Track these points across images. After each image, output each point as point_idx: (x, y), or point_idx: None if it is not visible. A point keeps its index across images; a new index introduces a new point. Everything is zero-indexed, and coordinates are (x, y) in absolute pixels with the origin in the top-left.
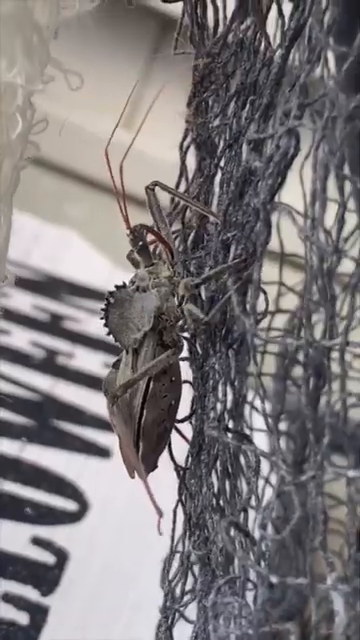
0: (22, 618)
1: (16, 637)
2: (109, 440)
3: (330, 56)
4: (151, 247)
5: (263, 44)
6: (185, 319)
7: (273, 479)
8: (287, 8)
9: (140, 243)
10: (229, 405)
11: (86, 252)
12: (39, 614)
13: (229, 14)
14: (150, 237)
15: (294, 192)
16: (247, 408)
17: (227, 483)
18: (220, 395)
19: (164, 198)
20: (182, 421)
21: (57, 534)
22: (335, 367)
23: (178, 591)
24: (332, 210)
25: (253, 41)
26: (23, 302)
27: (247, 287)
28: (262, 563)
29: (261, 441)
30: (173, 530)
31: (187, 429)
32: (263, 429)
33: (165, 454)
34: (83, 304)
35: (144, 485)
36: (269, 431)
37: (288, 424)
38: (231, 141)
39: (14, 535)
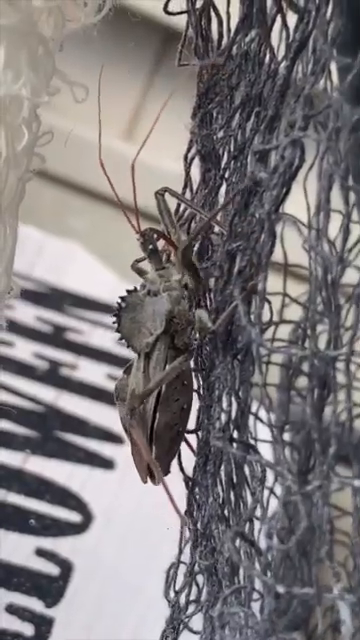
0: (27, 629)
1: None
2: (113, 451)
3: (334, 67)
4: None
5: (268, 56)
6: (194, 325)
7: (278, 489)
8: (292, 20)
9: (150, 247)
10: (234, 415)
11: (90, 264)
12: (44, 625)
13: (233, 26)
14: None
15: (298, 202)
16: (251, 418)
17: (232, 493)
18: (225, 405)
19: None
20: (192, 432)
21: (61, 545)
22: (340, 377)
23: (183, 601)
24: (336, 221)
25: (258, 53)
26: (27, 314)
27: (252, 297)
28: (268, 573)
29: (265, 451)
30: (180, 541)
31: (191, 438)
32: (268, 439)
33: (174, 464)
34: (86, 316)
35: (162, 485)
36: (274, 441)
37: (292, 434)
38: (236, 152)
39: (18, 546)
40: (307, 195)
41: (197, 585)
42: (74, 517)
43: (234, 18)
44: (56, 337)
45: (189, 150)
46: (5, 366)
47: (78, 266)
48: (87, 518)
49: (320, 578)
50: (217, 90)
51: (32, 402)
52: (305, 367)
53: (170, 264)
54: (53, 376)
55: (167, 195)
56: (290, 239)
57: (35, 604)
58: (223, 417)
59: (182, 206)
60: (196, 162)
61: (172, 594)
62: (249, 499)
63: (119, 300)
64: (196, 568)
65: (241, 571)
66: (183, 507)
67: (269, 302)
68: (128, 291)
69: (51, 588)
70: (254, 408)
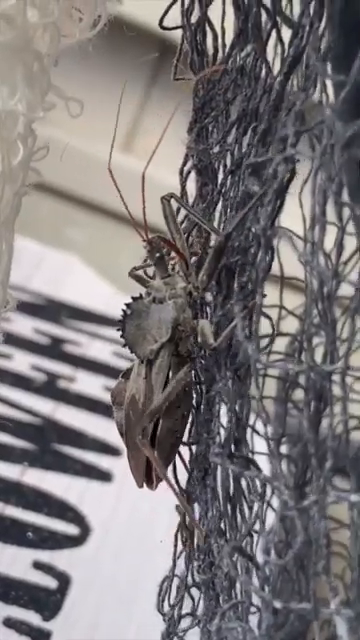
0: None
1: None
2: (110, 464)
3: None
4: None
5: (264, 71)
6: (197, 333)
7: (275, 502)
8: (287, 35)
9: (157, 255)
10: (233, 430)
11: (87, 276)
12: (41, 638)
13: (228, 40)
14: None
15: (294, 215)
16: (248, 431)
17: (230, 507)
18: (223, 419)
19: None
20: (187, 444)
21: (59, 558)
22: (336, 390)
23: (178, 615)
24: (332, 233)
25: (254, 67)
26: (24, 326)
27: (252, 312)
28: (266, 588)
29: (262, 464)
30: (174, 554)
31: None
32: (265, 452)
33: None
34: (84, 328)
35: (165, 481)
36: (271, 455)
37: (289, 447)
38: (233, 167)
39: (16, 559)
40: (303, 207)
41: (192, 598)
42: (72, 530)
43: (229, 33)
44: (53, 349)
45: (184, 164)
46: (2, 378)
47: (75, 278)
48: (84, 531)
49: (317, 592)
50: (213, 105)
51: (29, 414)
52: (302, 380)
53: (175, 271)
54: (51, 388)
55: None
56: (286, 251)
57: (32, 617)
58: (223, 432)
59: (181, 216)
60: (193, 176)
61: (166, 607)
62: (247, 513)
63: (124, 307)
64: (190, 581)
65: (239, 585)
66: (175, 521)
67: (269, 318)
68: (133, 298)
69: (49, 601)
70: (251, 420)
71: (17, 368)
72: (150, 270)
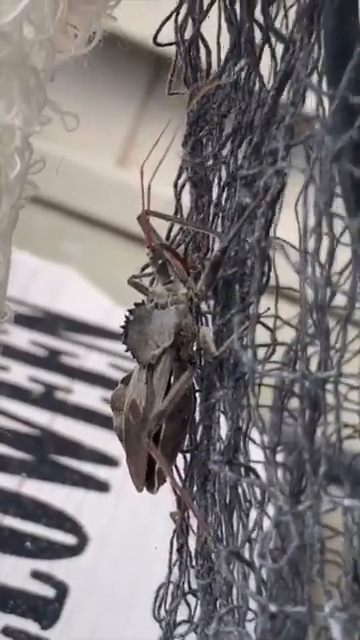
0: None
1: None
2: (108, 474)
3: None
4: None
5: (257, 85)
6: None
7: (270, 510)
8: (280, 49)
9: (160, 261)
10: (231, 437)
11: (84, 289)
12: None
13: (223, 54)
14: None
15: (289, 225)
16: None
17: (227, 514)
18: (225, 429)
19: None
20: (185, 452)
21: (57, 568)
22: (331, 399)
23: (174, 621)
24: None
25: (248, 82)
26: (21, 338)
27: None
28: (262, 592)
29: (258, 472)
30: (170, 560)
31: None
32: (260, 460)
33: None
34: (81, 340)
35: (169, 479)
36: (267, 462)
37: (285, 455)
38: (229, 179)
39: (14, 569)
40: (298, 217)
41: (188, 605)
42: (70, 540)
43: (223, 47)
44: (51, 361)
45: (179, 177)
46: (0, 390)
47: (72, 291)
48: (82, 540)
49: (313, 598)
50: (208, 118)
51: (27, 426)
52: (297, 389)
53: (176, 278)
54: (48, 400)
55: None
56: (282, 261)
57: (31, 626)
58: (223, 440)
59: (173, 230)
60: (187, 188)
61: (163, 614)
62: (245, 520)
63: (127, 313)
64: (186, 587)
65: (237, 590)
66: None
67: (269, 328)
68: (136, 304)
69: (47, 610)
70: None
71: (15, 380)
72: (145, 280)
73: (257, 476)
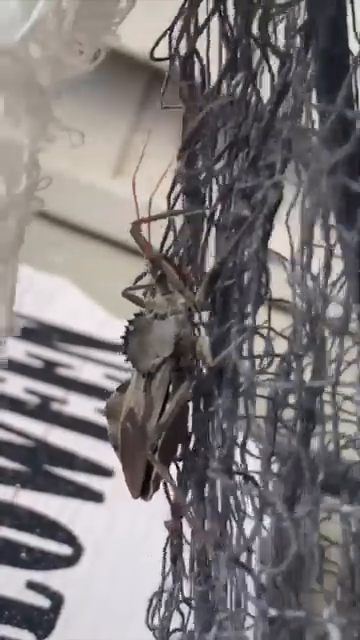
0: None
1: None
2: (102, 484)
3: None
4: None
5: (254, 99)
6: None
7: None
8: (276, 64)
9: (159, 272)
10: (227, 446)
11: (78, 300)
12: None
13: (217, 69)
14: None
15: (282, 239)
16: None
17: (224, 521)
18: (223, 438)
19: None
20: (180, 460)
21: (52, 578)
22: (327, 409)
23: (170, 629)
24: (320, 253)
25: (244, 95)
26: (17, 349)
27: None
28: (260, 598)
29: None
30: (163, 568)
31: None
32: (256, 470)
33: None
34: (76, 351)
35: (168, 480)
36: (262, 472)
37: (279, 466)
38: (225, 191)
39: (9, 580)
40: (290, 231)
41: (181, 614)
42: (64, 550)
43: (217, 62)
44: (46, 372)
45: (172, 189)
46: None
47: (67, 302)
48: (77, 551)
49: (312, 607)
50: (203, 132)
51: (22, 437)
52: (291, 400)
53: (175, 288)
54: (43, 411)
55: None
56: (274, 273)
57: (26, 637)
58: (221, 449)
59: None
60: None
61: (156, 622)
62: (244, 527)
63: (127, 323)
64: (179, 597)
65: (234, 597)
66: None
67: (266, 338)
68: (136, 315)
69: (42, 621)
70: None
71: (10, 391)
72: (140, 292)
73: (255, 484)
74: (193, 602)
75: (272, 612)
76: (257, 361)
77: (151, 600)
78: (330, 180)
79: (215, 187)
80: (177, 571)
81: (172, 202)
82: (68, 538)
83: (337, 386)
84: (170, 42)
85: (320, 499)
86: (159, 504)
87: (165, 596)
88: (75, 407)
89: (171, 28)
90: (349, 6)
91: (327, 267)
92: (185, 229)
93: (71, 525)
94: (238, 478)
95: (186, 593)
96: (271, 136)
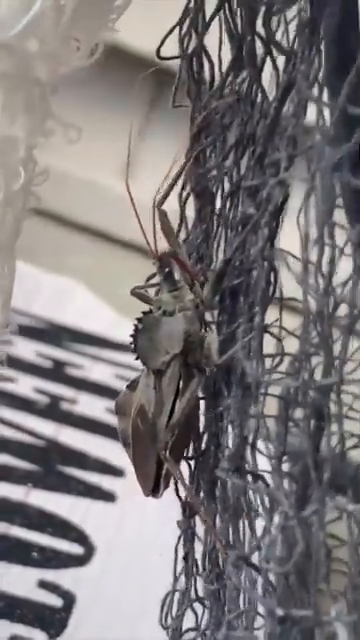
0: None
1: None
2: (113, 484)
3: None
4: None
5: (260, 96)
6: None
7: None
8: (281, 61)
9: (167, 270)
10: (237, 446)
11: (88, 300)
12: None
13: (224, 68)
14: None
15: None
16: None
17: (235, 520)
18: (233, 437)
19: None
20: (190, 458)
21: (64, 577)
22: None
23: (183, 628)
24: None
25: (250, 93)
26: (27, 349)
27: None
28: (270, 597)
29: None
30: (175, 567)
31: None
32: (266, 470)
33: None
34: (86, 351)
35: (178, 478)
36: (273, 471)
37: (290, 465)
38: (233, 189)
39: (21, 579)
40: (300, 229)
41: (195, 613)
42: (76, 549)
43: (226, 60)
44: (56, 372)
45: (183, 188)
46: (6, 401)
47: (77, 302)
48: (89, 550)
49: (320, 607)
50: (210, 130)
51: (33, 436)
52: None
53: (183, 285)
54: (53, 410)
55: None
56: (286, 272)
57: (38, 635)
58: (231, 447)
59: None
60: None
61: (170, 621)
62: (254, 526)
63: (135, 321)
64: (192, 596)
65: (246, 595)
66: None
67: (279, 339)
68: (144, 312)
69: (54, 619)
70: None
71: (20, 391)
72: (149, 292)
73: (265, 483)
74: (206, 601)
75: (279, 611)
76: (269, 360)
77: (165, 599)
78: (334, 177)
79: (223, 185)
80: (189, 570)
81: (183, 201)
82: (79, 537)
83: (342, 384)
84: (179, 39)
85: (329, 498)
86: (170, 504)
87: (177, 595)
88: (85, 407)
89: (179, 25)
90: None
91: (332, 265)
92: (195, 228)
93: (82, 524)
94: (249, 477)
95: (200, 592)
96: (277, 133)
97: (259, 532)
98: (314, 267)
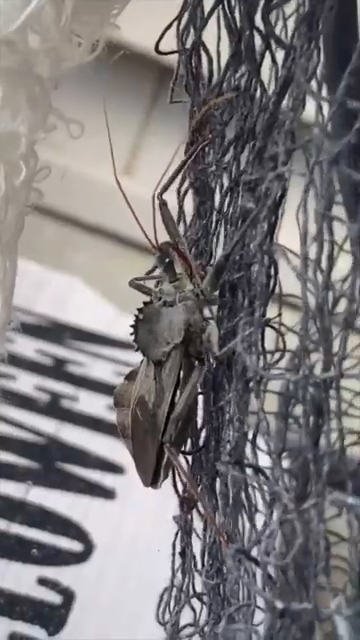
0: None
1: None
2: (113, 481)
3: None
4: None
5: (259, 91)
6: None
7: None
8: (280, 55)
9: (167, 260)
10: (237, 440)
11: (89, 298)
12: None
13: (223, 63)
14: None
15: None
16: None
17: (235, 514)
18: (234, 431)
19: None
20: (190, 453)
21: (63, 574)
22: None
23: (181, 624)
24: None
25: (249, 88)
26: (27, 347)
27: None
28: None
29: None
30: (173, 562)
31: None
32: (266, 465)
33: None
34: (86, 348)
35: (177, 467)
36: (272, 466)
37: (290, 462)
38: (232, 184)
39: (21, 576)
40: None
41: (192, 609)
42: (75, 546)
43: (224, 56)
44: (57, 370)
45: (182, 184)
46: (7, 399)
47: (78, 300)
48: (88, 547)
49: (319, 602)
50: (210, 126)
51: (34, 434)
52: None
53: (183, 275)
54: (54, 408)
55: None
56: (285, 268)
57: (38, 632)
58: (232, 441)
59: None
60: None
61: (167, 617)
62: (255, 520)
63: (136, 312)
64: (190, 591)
65: (245, 589)
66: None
67: (280, 333)
68: (145, 303)
69: (53, 616)
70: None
71: (21, 389)
72: (147, 284)
73: (266, 476)
74: (205, 597)
75: (279, 604)
76: (268, 356)
77: (162, 595)
78: (333, 171)
79: (222, 180)
80: (186, 566)
81: (181, 196)
82: (79, 534)
83: (342, 378)
84: (177, 35)
85: (327, 493)
86: (169, 500)
87: (175, 591)
88: (85, 404)
89: (178, 20)
90: None
91: (330, 260)
92: (195, 223)
93: (82, 522)
94: (249, 471)
95: (198, 589)
96: (276, 128)
97: (259, 528)
98: (312, 262)
